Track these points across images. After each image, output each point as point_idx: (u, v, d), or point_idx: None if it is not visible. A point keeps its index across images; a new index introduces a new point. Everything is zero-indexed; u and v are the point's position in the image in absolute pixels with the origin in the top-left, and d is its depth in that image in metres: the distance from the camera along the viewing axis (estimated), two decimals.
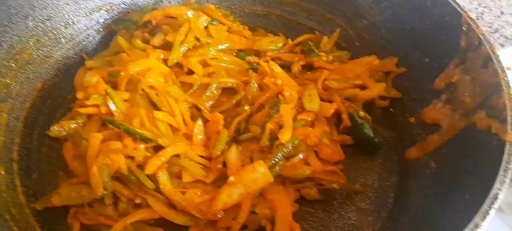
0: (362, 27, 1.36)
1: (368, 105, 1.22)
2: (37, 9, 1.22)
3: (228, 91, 1.21)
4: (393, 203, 1.10)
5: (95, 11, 1.36)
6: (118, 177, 1.01)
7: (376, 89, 1.19)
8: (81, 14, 1.33)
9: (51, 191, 1.06)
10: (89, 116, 1.13)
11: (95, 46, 1.36)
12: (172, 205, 1.00)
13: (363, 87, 1.22)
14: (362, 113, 1.17)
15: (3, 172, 1.02)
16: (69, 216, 1.02)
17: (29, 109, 1.18)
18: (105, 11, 1.38)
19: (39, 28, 1.24)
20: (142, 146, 1.02)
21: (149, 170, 0.98)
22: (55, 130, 1.13)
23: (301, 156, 1.06)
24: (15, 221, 0.93)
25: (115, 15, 1.39)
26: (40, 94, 1.22)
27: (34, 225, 0.98)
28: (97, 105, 1.10)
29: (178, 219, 1.00)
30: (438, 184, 1.02)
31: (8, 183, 1.01)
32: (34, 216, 1.00)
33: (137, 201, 1.01)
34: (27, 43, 1.21)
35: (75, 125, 1.12)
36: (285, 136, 1.03)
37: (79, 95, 1.13)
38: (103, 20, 1.38)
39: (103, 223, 1.00)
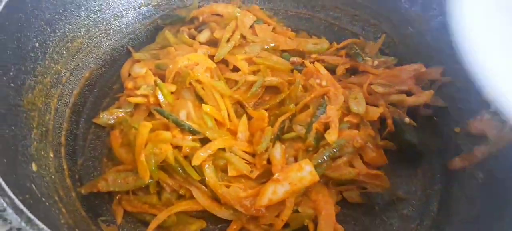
0: (408, 35, 1.35)
1: (412, 114, 1.20)
2: (90, 0, 1.25)
3: (271, 90, 1.21)
4: (437, 211, 1.08)
5: (143, 5, 1.38)
6: (163, 167, 1.02)
7: (424, 96, 1.18)
8: (130, 8, 1.36)
9: (95, 177, 1.08)
10: (137, 106, 1.15)
11: (141, 39, 1.38)
12: (215, 198, 1.01)
13: (408, 94, 1.20)
14: (407, 119, 1.16)
15: (52, 155, 1.04)
16: (114, 203, 1.03)
17: (77, 96, 1.21)
18: (153, 6, 1.40)
19: (90, 18, 1.26)
20: (189, 137, 1.03)
21: (196, 161, 0.98)
22: (104, 117, 1.16)
23: (345, 158, 1.05)
24: (63, 203, 0.94)
25: (162, 10, 1.41)
26: (87, 83, 1.25)
27: (80, 209, 0.99)
28: (145, 96, 1.12)
29: (221, 212, 1.00)
30: (487, 195, 0.99)
31: (57, 166, 1.03)
32: (80, 200, 1.02)
33: (181, 192, 1.02)
34: (79, 32, 1.23)
35: (123, 113, 1.14)
36: (332, 136, 1.03)
37: (129, 85, 1.15)
38: (150, 15, 1.40)
39: (147, 211, 1.01)
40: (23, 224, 0.67)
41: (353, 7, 1.44)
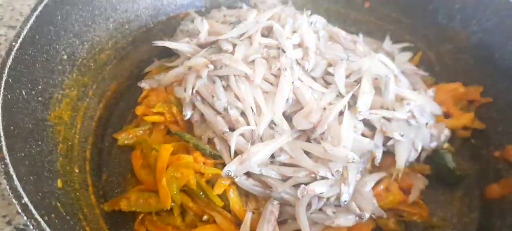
0: (445, 52, 1.30)
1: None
2: (118, 11, 1.23)
3: None
4: None
5: (172, 18, 1.36)
6: (185, 190, 0.99)
7: (463, 119, 1.13)
8: (158, 20, 1.34)
9: (119, 193, 1.07)
10: (154, 124, 1.13)
11: (168, 51, 1.34)
12: (240, 224, 0.97)
13: (446, 115, 1.15)
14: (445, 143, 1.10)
15: (77, 170, 1.02)
16: (136, 222, 1.00)
17: (103, 110, 1.19)
18: (180, 18, 1.38)
19: (118, 30, 1.25)
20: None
21: (218, 189, 0.95)
22: (122, 137, 1.14)
23: (381, 187, 1.00)
24: (87, 221, 0.92)
25: None
26: (113, 95, 1.23)
27: (104, 227, 0.97)
28: (161, 113, 1.10)
29: None
30: None
31: (81, 182, 1.01)
32: (103, 218, 1.00)
33: (205, 217, 0.98)
34: (107, 44, 1.22)
35: (141, 132, 1.12)
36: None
37: (138, 112, 1.15)
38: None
39: None
40: None
41: (387, 22, 1.39)
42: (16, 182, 0.71)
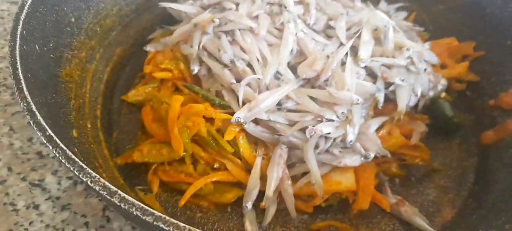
0: (438, 11, 1.35)
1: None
2: None
3: None
4: (474, 182, 1.08)
5: None
6: (196, 140, 1.02)
7: (458, 69, 1.18)
8: None
9: (130, 149, 1.09)
10: (162, 82, 1.16)
11: (173, 19, 1.37)
12: (250, 170, 1.00)
13: (442, 67, 1.20)
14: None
15: (89, 126, 1.05)
16: (150, 173, 1.03)
17: (110, 74, 1.22)
18: None
19: None
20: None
21: (228, 136, 0.98)
22: (132, 94, 1.17)
23: (384, 131, 1.05)
24: (103, 169, 0.95)
25: None
26: (119, 61, 1.26)
27: (118, 177, 1.00)
28: (169, 70, 1.13)
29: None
30: None
31: (94, 137, 1.04)
32: (117, 170, 1.02)
33: (216, 165, 1.01)
34: (111, 11, 1.25)
35: (150, 89, 1.15)
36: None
37: (146, 70, 1.18)
38: None
39: (183, 181, 1.01)
40: (75, 172, 0.67)
41: None
42: (39, 118, 0.74)
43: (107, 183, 0.66)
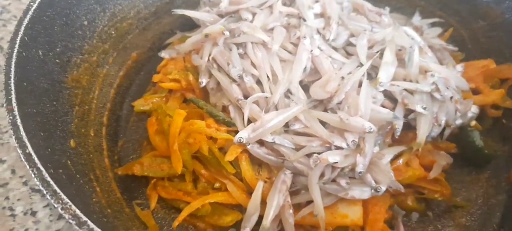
0: (478, 29, 1.23)
1: (478, 114, 1.08)
2: None
3: None
4: (500, 223, 0.97)
5: None
6: (198, 157, 0.97)
7: (492, 96, 1.06)
8: None
9: (134, 159, 1.06)
10: (171, 92, 1.13)
11: (191, 23, 1.33)
12: (251, 193, 0.94)
13: (475, 92, 1.09)
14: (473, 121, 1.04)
15: (92, 134, 1.03)
16: (149, 187, 1.01)
17: (123, 78, 1.19)
18: None
19: (140, 0, 1.24)
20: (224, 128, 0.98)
21: (230, 156, 0.93)
22: (139, 103, 1.14)
23: (400, 161, 0.96)
24: (98, 182, 0.92)
25: None
26: (134, 65, 1.23)
27: (115, 190, 0.97)
28: (177, 81, 1.10)
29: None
30: None
31: (96, 145, 1.02)
32: (116, 181, 1.00)
33: (216, 185, 0.97)
34: (129, 13, 1.22)
35: (158, 99, 1.12)
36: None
37: (155, 79, 1.16)
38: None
39: (181, 199, 0.98)
40: (48, 197, 0.64)
41: None
42: (22, 133, 0.71)
43: (77, 211, 0.63)
